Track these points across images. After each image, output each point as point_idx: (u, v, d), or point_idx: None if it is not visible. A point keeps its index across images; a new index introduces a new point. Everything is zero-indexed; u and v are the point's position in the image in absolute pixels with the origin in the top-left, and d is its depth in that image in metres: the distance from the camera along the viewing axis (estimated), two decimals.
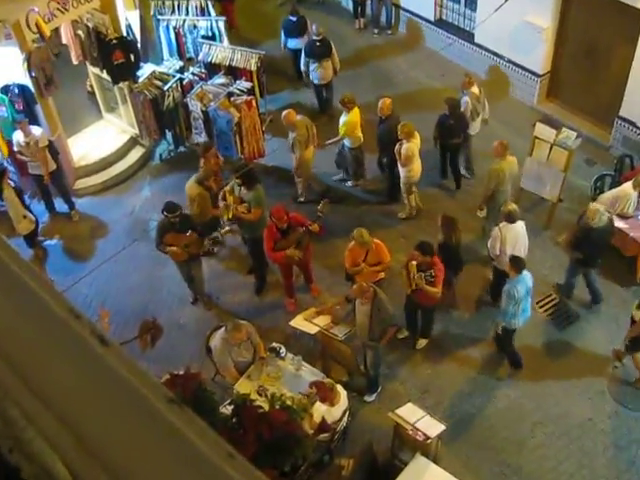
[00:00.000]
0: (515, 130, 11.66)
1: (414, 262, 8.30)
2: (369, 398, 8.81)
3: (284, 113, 10.67)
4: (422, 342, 9.38)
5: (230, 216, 9.28)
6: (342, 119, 10.80)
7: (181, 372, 5.63)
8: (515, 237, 9.00)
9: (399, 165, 10.33)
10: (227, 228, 9.38)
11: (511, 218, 8.98)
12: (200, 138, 11.44)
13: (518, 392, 8.82)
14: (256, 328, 8.39)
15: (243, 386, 7.77)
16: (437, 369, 9.16)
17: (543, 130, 9.96)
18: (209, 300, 10.09)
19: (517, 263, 8.27)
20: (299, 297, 9.93)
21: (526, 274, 8.28)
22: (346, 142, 10.98)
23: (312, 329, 8.44)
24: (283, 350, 8.40)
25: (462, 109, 10.90)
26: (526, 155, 10.28)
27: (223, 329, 8.03)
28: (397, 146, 10.13)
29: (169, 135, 12.04)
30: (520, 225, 9.07)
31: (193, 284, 9.91)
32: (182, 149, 12.29)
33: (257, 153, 11.40)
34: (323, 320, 8.50)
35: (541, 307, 9.72)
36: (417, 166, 10.33)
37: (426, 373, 9.11)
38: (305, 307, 9.18)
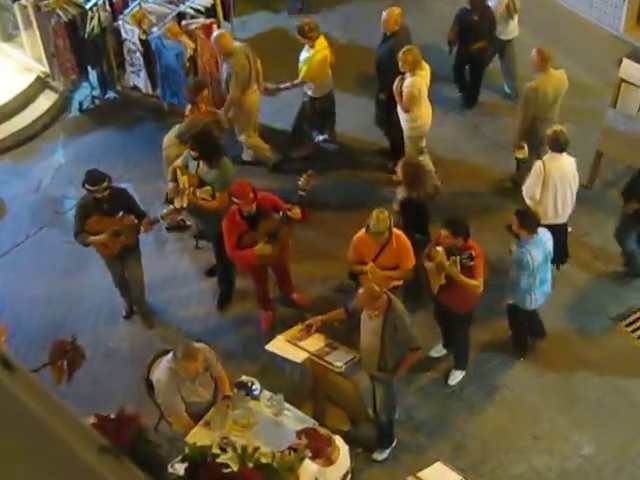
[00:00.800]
0: (591, 69, 11.73)
1: (440, 248, 8.32)
2: (380, 455, 8.84)
3: (215, 34, 10.66)
4: (457, 375, 9.41)
5: (185, 204, 9.21)
6: (302, 55, 10.87)
7: (112, 415, 5.40)
8: (562, 175, 9.01)
9: (399, 110, 10.42)
10: (171, 207, 9.30)
11: (559, 144, 8.99)
12: (138, 79, 11.54)
13: (593, 447, 8.83)
14: (218, 354, 8.36)
15: (199, 437, 7.71)
16: (477, 412, 9.17)
17: (633, 70, 10.00)
18: (150, 313, 10.11)
19: (528, 219, 8.33)
20: (279, 309, 9.97)
21: (544, 233, 8.42)
22: (307, 89, 11.03)
23: (298, 355, 8.42)
24: (257, 386, 8.37)
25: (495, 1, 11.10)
26: (607, 106, 10.32)
27: (170, 356, 7.98)
28: (396, 83, 10.24)
29: (93, 74, 12.15)
30: (570, 161, 9.12)
31: (128, 290, 9.92)
32: (112, 95, 12.43)
33: (220, 101, 11.29)
34: (314, 342, 8.50)
35: (628, 326, 9.78)
36: (426, 110, 10.47)
37: (461, 419, 9.11)
38: (288, 324, 9.11)
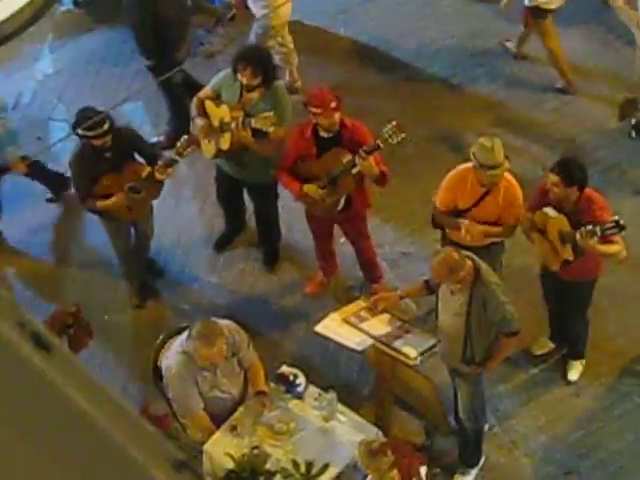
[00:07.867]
0: None
1: (550, 211, 7.98)
2: (464, 478, 8.53)
3: None
4: (576, 367, 9.08)
5: (227, 146, 8.92)
6: None
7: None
8: None
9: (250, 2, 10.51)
10: (186, 138, 8.86)
11: None
12: None
13: None
14: (251, 335, 8.14)
15: (222, 445, 7.67)
16: (598, 427, 8.70)
17: None
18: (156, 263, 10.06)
19: None
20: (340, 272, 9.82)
21: None
22: None
23: (358, 341, 8.24)
24: (301, 381, 8.18)
25: None
26: None
27: (185, 336, 7.74)
28: None
29: None
30: None
31: (137, 262, 9.81)
32: None
33: None
34: (380, 324, 8.30)
35: None
36: None
37: (575, 435, 8.69)
38: (346, 297, 9.06)
